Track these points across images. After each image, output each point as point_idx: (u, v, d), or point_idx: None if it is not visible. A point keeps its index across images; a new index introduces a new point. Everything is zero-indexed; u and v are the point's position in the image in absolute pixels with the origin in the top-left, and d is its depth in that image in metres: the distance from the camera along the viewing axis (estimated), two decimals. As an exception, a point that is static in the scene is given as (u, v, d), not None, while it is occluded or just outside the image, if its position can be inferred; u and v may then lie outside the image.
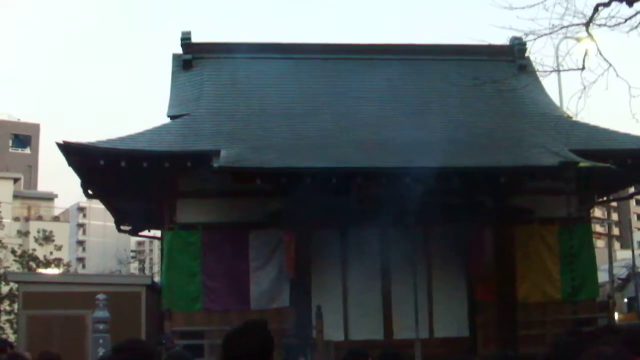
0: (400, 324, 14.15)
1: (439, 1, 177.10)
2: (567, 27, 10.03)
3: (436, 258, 14.61)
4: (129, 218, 18.56)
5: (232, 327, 3.48)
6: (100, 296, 11.69)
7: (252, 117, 15.38)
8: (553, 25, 10.02)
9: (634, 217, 72.69)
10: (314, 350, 12.72)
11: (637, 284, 35.43)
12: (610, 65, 10.06)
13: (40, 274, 23.13)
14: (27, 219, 48.75)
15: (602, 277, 26.51)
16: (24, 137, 65.85)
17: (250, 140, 14.12)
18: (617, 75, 10.21)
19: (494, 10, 16.05)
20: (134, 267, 71.25)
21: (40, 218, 50.41)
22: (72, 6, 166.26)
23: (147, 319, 13.69)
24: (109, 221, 25.30)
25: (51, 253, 31.69)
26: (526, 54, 16.62)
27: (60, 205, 60.13)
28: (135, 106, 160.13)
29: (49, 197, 56.84)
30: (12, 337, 21.33)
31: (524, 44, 15.62)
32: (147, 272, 65.39)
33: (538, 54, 19.25)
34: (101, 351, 10.62)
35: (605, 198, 19.20)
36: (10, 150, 64.66)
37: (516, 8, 10.35)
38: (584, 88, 10.17)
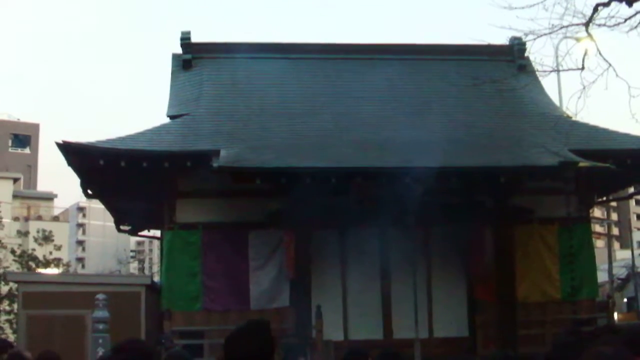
0: (399, 323, 14.15)
1: (439, 1, 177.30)
2: (567, 27, 10.05)
3: (436, 258, 14.61)
4: (128, 218, 18.56)
5: (234, 327, 3.49)
6: (100, 296, 11.69)
7: (252, 117, 15.38)
8: (553, 25, 10.03)
9: (633, 217, 72.72)
10: (313, 350, 12.73)
11: (636, 284, 35.44)
12: (610, 65, 10.07)
13: (39, 274, 23.12)
14: (26, 219, 48.76)
15: (602, 277, 26.51)
16: (23, 137, 65.85)
17: (249, 140, 14.12)
18: (617, 75, 10.23)
19: (494, 10, 16.06)
20: (133, 267, 71.26)
21: (39, 218, 50.41)
22: (72, 6, 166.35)
23: (147, 319, 13.69)
24: (109, 221, 25.31)
25: (51, 253, 31.69)
26: (526, 54, 16.62)
27: (59, 205, 60.15)
28: (135, 106, 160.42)
29: (49, 197, 56.85)
30: (11, 337, 21.34)
31: (524, 43, 15.61)
32: (146, 272, 65.45)
33: (538, 53, 19.22)
34: (101, 351, 10.62)
35: (604, 198, 19.21)
36: (9, 150, 64.66)
37: (516, 8, 10.37)
38: (584, 88, 10.19)
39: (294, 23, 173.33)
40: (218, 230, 14.24)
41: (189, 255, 14.16)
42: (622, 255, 45.44)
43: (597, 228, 56.18)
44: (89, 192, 14.91)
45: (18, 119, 68.26)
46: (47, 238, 33.93)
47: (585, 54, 10.40)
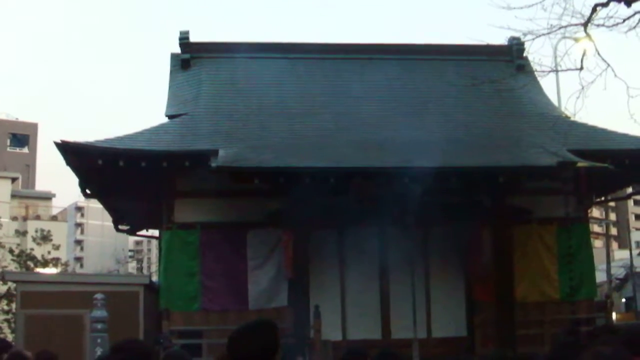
0: (398, 323, 14.15)
1: (438, 1, 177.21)
2: (566, 27, 10.06)
3: (434, 258, 14.61)
4: (127, 217, 18.55)
5: (233, 326, 3.49)
6: (98, 296, 11.70)
7: (251, 116, 15.37)
8: (551, 25, 10.04)
9: (631, 217, 72.75)
10: (311, 350, 12.72)
11: (634, 284, 35.46)
12: (609, 65, 10.08)
13: (38, 273, 23.12)
14: (25, 219, 48.80)
15: (600, 277, 26.52)
16: (22, 137, 65.85)
17: (248, 139, 14.11)
18: (616, 75, 10.24)
19: (492, 10, 16.05)
20: (132, 266, 71.29)
21: (38, 217, 50.46)
22: (72, 6, 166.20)
23: (145, 319, 13.70)
24: (107, 221, 25.30)
25: (49, 252, 31.71)
26: (524, 54, 16.62)
27: (58, 204, 60.26)
28: (134, 106, 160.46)
29: (47, 197, 56.90)
30: (9, 337, 21.33)
31: (522, 44, 15.61)
32: (145, 271, 65.45)
33: (536, 54, 19.41)
34: (99, 351, 10.63)
35: (603, 198, 19.22)
36: (8, 149, 64.67)
37: (514, 8, 10.37)
38: (582, 88, 10.20)
39: (293, 23, 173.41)
40: (216, 230, 14.23)
41: (188, 255, 14.15)
42: (620, 255, 45.46)
43: (596, 228, 56.22)
44: (88, 191, 14.89)
45: (16, 119, 68.26)
46: (45, 238, 33.96)
47: (584, 54, 10.42)
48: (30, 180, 62.71)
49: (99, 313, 11.57)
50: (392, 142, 13.62)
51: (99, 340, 11.33)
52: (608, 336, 4.22)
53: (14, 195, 50.96)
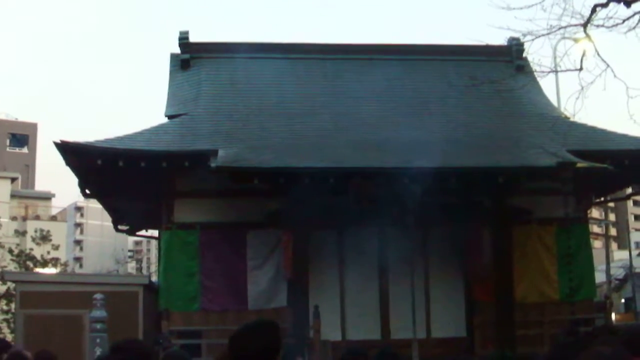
0: (397, 324, 14.15)
1: (438, 1, 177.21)
2: (565, 27, 10.07)
3: (434, 258, 14.61)
4: (126, 218, 18.55)
5: (232, 327, 3.50)
6: (98, 296, 11.70)
7: (251, 117, 15.37)
8: (551, 25, 10.05)
9: (631, 218, 72.74)
10: (311, 350, 12.72)
11: (634, 285, 35.47)
12: (608, 66, 10.09)
13: (37, 273, 23.13)
14: (24, 219, 48.77)
15: (600, 277, 26.54)
16: (21, 137, 65.82)
17: (248, 140, 14.11)
18: (615, 76, 10.25)
19: (492, 11, 16.10)
20: (131, 266, 71.28)
21: (37, 217, 50.43)
22: (72, 6, 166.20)
23: (145, 319, 13.69)
24: (107, 221, 25.29)
25: (48, 252, 31.72)
26: (524, 55, 16.62)
27: (57, 204, 60.21)
28: (134, 106, 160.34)
29: (47, 197, 56.87)
30: (9, 337, 21.32)
31: (522, 44, 15.62)
32: (144, 271, 65.44)
33: (536, 54, 19.46)
34: (98, 351, 10.63)
35: (602, 199, 19.23)
36: (7, 149, 64.64)
37: (514, 8, 10.38)
38: (582, 89, 10.22)
39: (293, 23, 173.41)
40: (216, 230, 14.23)
41: (187, 255, 14.15)
42: (619, 255, 45.48)
43: (595, 229, 56.19)
44: (87, 191, 14.90)
45: (16, 119, 68.23)
46: (44, 238, 33.97)
47: (584, 54, 10.43)
48: (29, 180, 62.68)
49: (99, 313, 11.57)
50: (391, 143, 13.62)
51: (98, 341, 11.33)
52: (607, 337, 4.23)
53: (13, 195, 50.94)
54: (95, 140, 13.63)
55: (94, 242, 76.83)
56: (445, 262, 14.57)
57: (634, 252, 37.82)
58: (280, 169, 12.55)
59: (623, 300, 39.97)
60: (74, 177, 14.14)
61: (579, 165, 12.87)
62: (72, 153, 13.18)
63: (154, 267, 48.59)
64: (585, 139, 14.88)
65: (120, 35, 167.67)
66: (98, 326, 11.47)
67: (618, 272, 38.46)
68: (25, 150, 65.82)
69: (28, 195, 55.09)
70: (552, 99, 18.38)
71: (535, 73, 13.78)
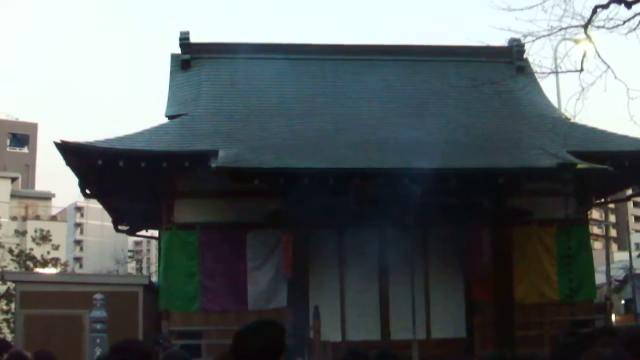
0: (397, 324, 14.15)
1: (438, 2, 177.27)
2: (566, 28, 10.07)
3: (434, 259, 14.61)
4: (126, 218, 18.55)
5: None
6: (98, 296, 11.70)
7: (251, 117, 15.37)
8: (551, 26, 10.05)
9: (631, 219, 72.74)
10: (311, 351, 12.72)
11: (634, 286, 35.45)
12: (609, 67, 10.09)
13: (37, 273, 23.13)
14: (24, 219, 48.76)
15: (600, 278, 26.52)
16: (21, 137, 65.81)
17: (248, 140, 14.11)
18: (616, 77, 10.25)
19: (493, 12, 16.10)
20: (131, 267, 71.27)
21: (37, 217, 50.41)
22: (72, 6, 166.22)
23: (145, 319, 13.69)
24: (107, 221, 25.29)
25: (48, 252, 31.72)
26: (524, 56, 16.61)
27: (57, 204, 60.20)
28: (134, 106, 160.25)
29: (47, 197, 56.86)
30: (9, 337, 21.32)
31: (522, 45, 15.61)
32: (144, 272, 65.43)
33: (536, 55, 19.47)
34: (98, 351, 10.64)
35: (602, 200, 19.23)
36: (8, 149, 64.63)
37: (515, 9, 10.38)
38: (582, 90, 10.22)
39: (293, 23, 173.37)
40: (216, 230, 14.23)
41: (187, 255, 14.16)
42: (619, 257, 45.47)
43: (595, 230, 56.16)
44: (87, 191, 14.90)
45: (16, 119, 68.23)
46: (44, 238, 33.98)
47: (584, 55, 10.43)
48: (30, 180, 62.68)
49: (99, 313, 11.58)
50: (391, 143, 13.62)
51: (98, 341, 11.34)
52: (608, 338, 4.22)
53: (13, 195, 50.94)
54: (95, 140, 13.64)
55: (94, 242, 76.82)
56: (445, 262, 14.57)
57: (634, 254, 37.78)
58: (280, 170, 12.55)
59: (623, 302, 39.94)
60: (74, 177, 14.15)
61: (579, 166, 12.87)
62: (72, 153, 13.19)
63: (154, 267, 48.61)
64: (586, 140, 14.88)
65: (120, 35, 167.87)
66: (98, 326, 11.48)
67: (618, 274, 38.44)
68: (25, 150, 65.83)
69: (28, 195, 55.08)
70: (553, 100, 18.40)
71: (535, 74, 13.79)
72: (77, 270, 64.02)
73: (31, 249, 31.89)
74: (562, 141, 13.77)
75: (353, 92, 16.27)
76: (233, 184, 12.75)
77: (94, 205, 42.46)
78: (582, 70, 10.27)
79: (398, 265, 13.90)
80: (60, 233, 43.88)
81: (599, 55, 10.16)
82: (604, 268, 33.58)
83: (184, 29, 17.66)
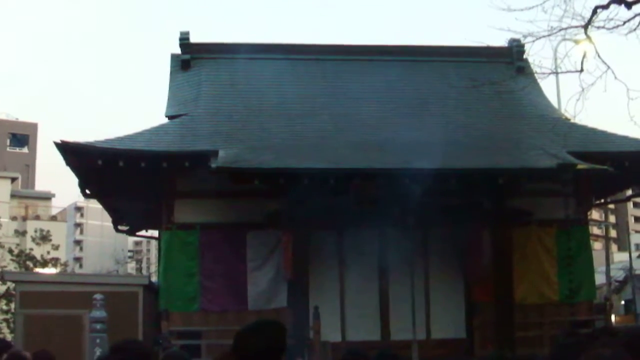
0: (397, 325, 14.14)
1: (438, 2, 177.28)
2: (566, 29, 10.06)
3: (434, 259, 14.61)
4: (126, 218, 18.55)
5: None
6: (98, 296, 11.70)
7: (251, 117, 15.37)
8: (551, 27, 10.04)
9: (631, 220, 72.74)
10: (311, 351, 12.71)
11: (634, 287, 35.45)
12: (609, 67, 10.09)
13: (37, 273, 23.12)
14: (24, 219, 48.75)
15: (600, 279, 26.52)
16: (21, 137, 65.81)
17: (248, 140, 14.11)
18: (616, 77, 10.25)
19: (493, 12, 16.09)
20: (131, 267, 71.22)
21: (37, 217, 50.41)
22: (72, 6, 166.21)
23: (145, 319, 13.69)
24: (107, 221, 25.29)
25: (48, 252, 31.72)
26: (524, 56, 16.62)
27: (57, 204, 60.19)
28: (134, 106, 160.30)
29: (47, 197, 56.85)
30: (9, 337, 21.32)
31: (522, 45, 15.62)
32: (144, 272, 65.40)
33: (536, 55, 19.48)
34: (98, 351, 10.64)
35: (602, 200, 19.24)
36: (7, 149, 64.62)
37: (515, 10, 10.38)
38: (582, 90, 10.21)
39: (293, 23, 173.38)
40: (216, 230, 14.23)
41: (187, 255, 14.15)
42: (619, 257, 45.47)
43: (595, 230, 56.16)
44: (87, 192, 14.90)
45: (16, 119, 68.23)
46: (44, 238, 33.98)
47: (584, 56, 10.42)
48: (29, 180, 62.67)
49: (98, 313, 11.57)
50: (392, 144, 13.62)
51: (98, 341, 11.33)
52: (607, 338, 4.22)
53: (13, 195, 50.94)
54: (95, 141, 13.64)
55: (94, 242, 76.82)
56: (445, 263, 14.57)
57: (634, 254, 37.77)
58: (280, 170, 12.55)
59: (623, 302, 39.93)
60: (74, 177, 14.15)
61: (579, 166, 12.87)
62: (72, 153, 13.19)
63: (153, 268, 48.59)
64: (586, 140, 14.88)
65: (120, 36, 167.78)
66: (98, 326, 11.48)
67: (618, 274, 38.43)
68: (25, 150, 65.82)
69: (28, 195, 55.07)
70: (553, 100, 18.40)
71: (535, 74, 13.79)
72: (77, 270, 64.00)
73: (31, 249, 31.89)
74: (562, 142, 13.77)
75: (353, 92, 16.27)
76: (233, 184, 12.75)
77: (94, 205, 42.48)
78: (582, 70, 10.27)
79: (398, 265, 13.90)
80: (60, 233, 43.88)
81: (599, 56, 10.18)
82: (603, 269, 33.57)
83: (184, 29, 17.67)
